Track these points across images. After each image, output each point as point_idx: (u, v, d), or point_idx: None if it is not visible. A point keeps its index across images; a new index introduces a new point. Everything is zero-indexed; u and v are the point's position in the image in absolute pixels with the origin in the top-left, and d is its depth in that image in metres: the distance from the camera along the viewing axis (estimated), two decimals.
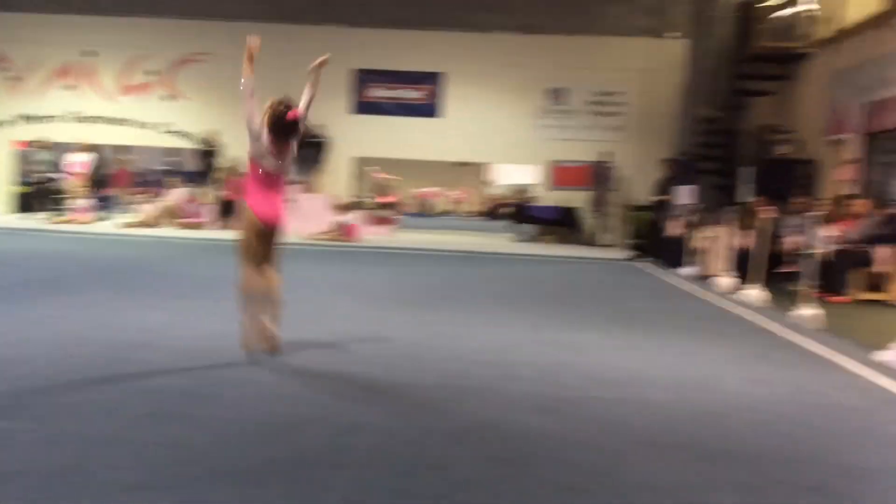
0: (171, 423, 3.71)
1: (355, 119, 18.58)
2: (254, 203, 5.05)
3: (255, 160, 5.09)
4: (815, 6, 13.90)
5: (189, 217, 17.09)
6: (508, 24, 18.16)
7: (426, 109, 18.46)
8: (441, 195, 38.11)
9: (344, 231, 15.59)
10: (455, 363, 5.31)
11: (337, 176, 18.86)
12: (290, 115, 5.04)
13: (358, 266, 11.35)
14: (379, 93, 18.56)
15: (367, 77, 18.56)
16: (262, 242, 5.07)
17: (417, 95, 18.48)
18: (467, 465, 3.34)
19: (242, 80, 5.04)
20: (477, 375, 5.00)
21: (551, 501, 3.03)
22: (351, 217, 15.89)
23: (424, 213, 36.17)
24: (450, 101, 18.38)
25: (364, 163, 21.30)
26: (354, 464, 3.29)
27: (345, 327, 6.36)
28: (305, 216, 17.37)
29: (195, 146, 18.43)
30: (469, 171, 33.86)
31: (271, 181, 5.11)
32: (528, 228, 17.82)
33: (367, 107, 18.59)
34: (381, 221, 19.19)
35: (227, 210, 17.40)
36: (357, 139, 18.52)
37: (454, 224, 26.86)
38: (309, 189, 18.31)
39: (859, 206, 10.88)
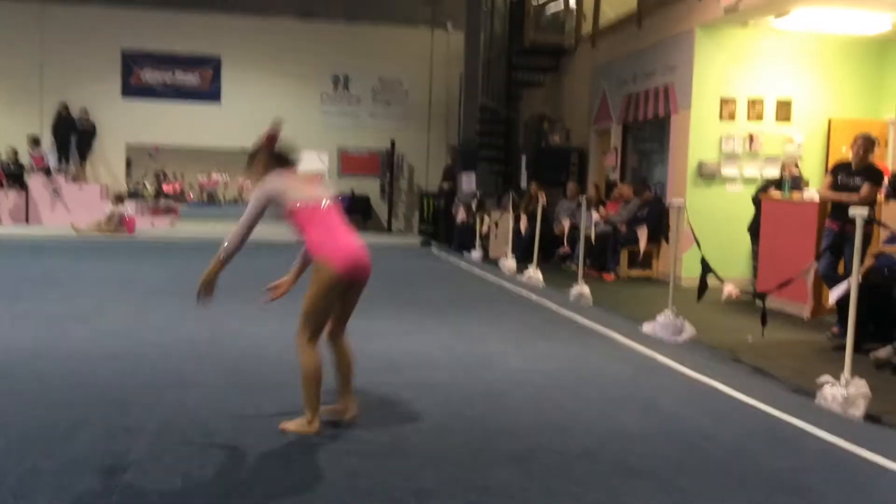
0: None
1: (128, 103, 17.44)
2: (332, 250, 3.68)
3: (302, 206, 3.74)
4: (574, 3, 14.81)
5: None
6: (287, 9, 17.80)
7: (204, 94, 17.68)
8: (227, 183, 36.81)
9: (120, 223, 14.59)
10: (245, 360, 5.12)
11: (109, 164, 17.66)
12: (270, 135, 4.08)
13: (134, 261, 10.67)
14: (152, 76, 17.53)
15: (138, 59, 17.46)
16: (348, 300, 3.85)
17: (194, 80, 17.66)
18: (250, 461, 3.22)
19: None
20: (267, 372, 4.86)
21: (335, 487, 2.99)
22: (127, 208, 14.90)
23: (211, 203, 34.82)
24: (228, 86, 17.74)
25: (141, 150, 20.13)
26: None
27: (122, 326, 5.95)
28: (74, 208, 16.15)
29: None
30: None
31: (332, 214, 3.80)
32: None
33: (139, 90, 17.50)
34: (162, 211, 18.22)
35: None
36: (130, 125, 17.43)
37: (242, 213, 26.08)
38: (77, 178, 17.02)
39: (622, 190, 11.76)
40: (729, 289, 5.99)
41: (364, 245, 3.76)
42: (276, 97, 17.73)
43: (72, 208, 16.13)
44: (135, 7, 17.24)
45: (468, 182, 13.75)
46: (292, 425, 3.68)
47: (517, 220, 11.63)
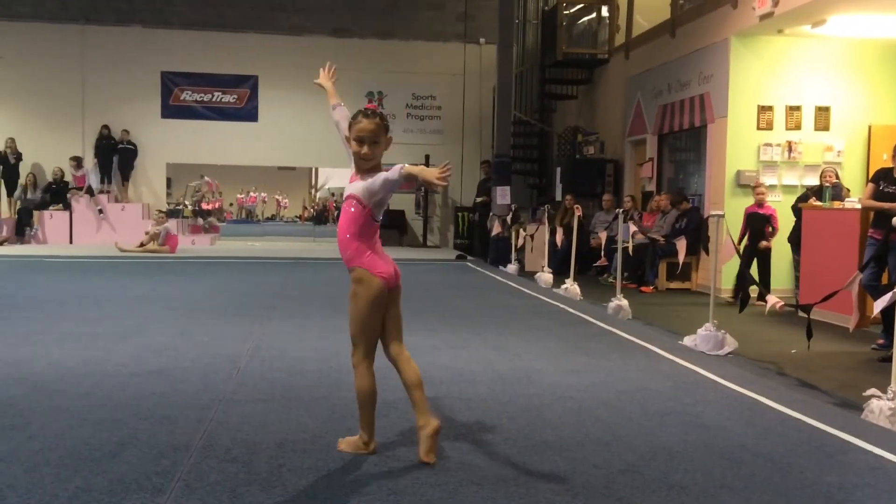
0: None
1: (167, 123, 17.78)
2: (373, 261, 3.55)
3: (372, 208, 3.54)
4: (609, 14, 14.79)
5: None
6: (321, 28, 18.03)
7: (241, 113, 17.96)
8: (266, 200, 37.19)
9: (161, 241, 14.84)
10: (286, 376, 5.17)
11: (150, 183, 18.01)
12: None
13: (176, 278, 10.84)
14: (191, 96, 17.85)
15: (178, 80, 17.81)
16: (390, 310, 3.64)
17: (231, 99, 17.95)
18: (294, 476, 3.25)
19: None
20: (308, 387, 4.90)
21: None
22: (168, 226, 15.15)
23: (249, 220, 35.22)
24: (265, 105, 18.00)
25: (182, 169, 20.47)
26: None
27: (168, 341, 6.05)
28: (117, 227, 16.47)
29: None
30: (295, 175, 33.26)
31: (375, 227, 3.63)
32: None
33: (179, 111, 17.83)
34: (202, 230, 18.53)
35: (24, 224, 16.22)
36: (170, 144, 17.77)
37: (280, 230, 26.38)
38: (119, 198, 17.38)
39: (659, 201, 11.68)
40: (773, 300, 5.91)
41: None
42: (312, 115, 17.95)
43: (115, 228, 16.47)
44: (174, 29, 17.60)
45: (503, 196, 13.76)
46: (349, 446, 3.62)
47: (553, 233, 11.61)
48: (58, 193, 16.75)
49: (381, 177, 3.46)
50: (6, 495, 3.00)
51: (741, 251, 8.04)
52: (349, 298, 3.59)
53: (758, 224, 9.61)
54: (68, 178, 17.06)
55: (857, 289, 5.20)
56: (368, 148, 3.48)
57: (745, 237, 9.59)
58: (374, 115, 3.52)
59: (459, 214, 17.40)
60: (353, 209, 3.52)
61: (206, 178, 22.80)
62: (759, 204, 9.63)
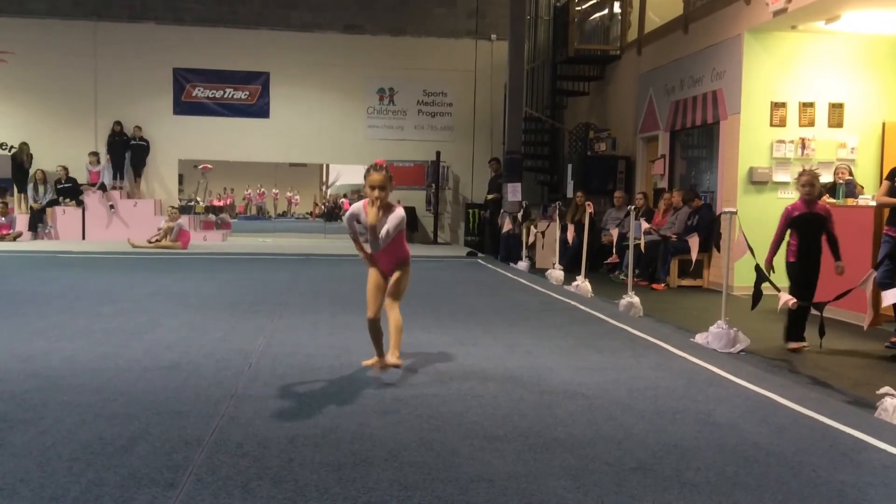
0: None
1: (179, 120, 17.84)
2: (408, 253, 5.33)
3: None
4: (621, 10, 14.74)
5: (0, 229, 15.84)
6: (333, 25, 18.05)
7: (252, 110, 18.00)
8: (277, 197, 37.29)
9: (173, 238, 14.89)
10: (297, 372, 5.19)
11: (163, 180, 18.08)
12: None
13: (187, 274, 10.88)
14: (203, 93, 17.90)
15: (190, 76, 17.86)
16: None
17: (243, 96, 17.99)
18: (306, 471, 3.26)
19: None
20: (316, 380, 4.91)
21: (388, 500, 3.00)
22: (180, 223, 15.20)
23: (260, 216, 35.31)
24: (276, 102, 18.03)
25: (193, 165, 20.54)
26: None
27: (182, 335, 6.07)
28: (129, 223, 16.54)
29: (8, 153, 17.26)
30: (307, 172, 33.32)
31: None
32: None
33: (191, 107, 17.88)
34: (214, 226, 18.59)
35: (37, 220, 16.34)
36: (182, 141, 17.83)
37: (291, 227, 26.43)
38: (131, 194, 17.46)
39: (672, 198, 11.63)
40: (786, 298, 5.87)
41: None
42: (323, 112, 18.00)
43: (127, 224, 16.56)
44: (186, 25, 17.65)
45: (514, 192, 13.73)
46: (396, 359, 4.95)
47: (564, 229, 11.58)
48: (67, 192, 16.83)
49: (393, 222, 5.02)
50: (19, 489, 3.02)
51: (789, 270, 6.44)
52: (401, 277, 5.13)
53: (810, 230, 6.46)
54: (83, 173, 17.14)
55: (872, 287, 5.16)
56: (379, 192, 4.93)
57: (795, 248, 6.48)
58: (382, 169, 4.98)
59: (470, 211, 17.39)
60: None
61: (200, 166, 22.89)
62: (811, 201, 6.47)
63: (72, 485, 3.07)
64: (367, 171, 4.98)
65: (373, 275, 5.12)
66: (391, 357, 4.96)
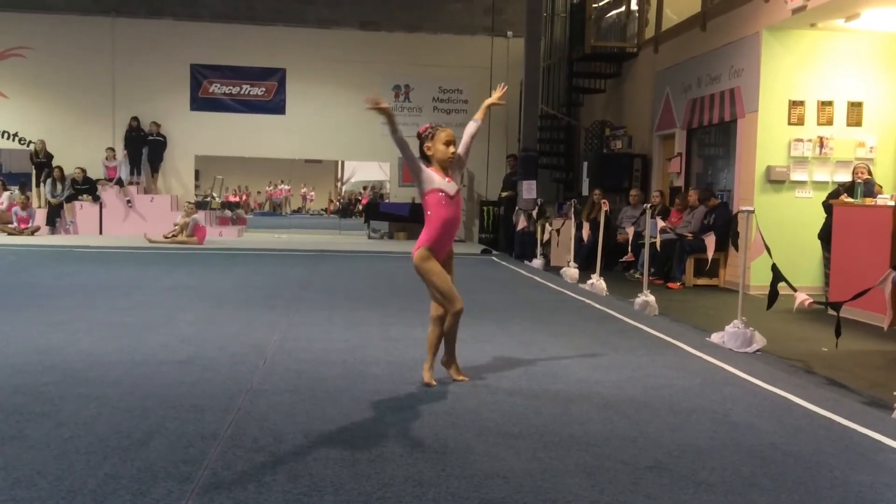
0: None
1: (196, 116, 17.93)
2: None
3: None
4: (638, 7, 14.67)
5: (19, 223, 15.98)
6: (349, 21, 18.07)
7: (269, 106, 18.06)
8: (292, 193, 37.34)
9: (189, 233, 14.97)
10: (312, 367, 5.20)
11: (179, 175, 18.18)
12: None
13: (203, 269, 10.93)
14: (220, 89, 17.97)
15: (207, 72, 17.94)
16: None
17: (259, 92, 18.05)
18: (321, 466, 3.26)
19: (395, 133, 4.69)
20: (331, 375, 4.92)
21: (402, 496, 3.00)
22: (196, 218, 15.28)
23: (275, 212, 35.40)
24: (292, 98, 18.08)
25: (210, 161, 20.64)
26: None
27: (193, 331, 6.10)
28: (146, 218, 16.65)
29: (27, 150, 17.44)
30: (322, 168, 33.35)
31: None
32: (381, 225, 17.83)
33: (207, 103, 17.96)
34: (230, 222, 18.67)
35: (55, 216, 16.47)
36: (199, 137, 17.92)
37: (306, 223, 26.49)
38: (148, 190, 17.57)
39: (688, 196, 11.57)
40: (802, 297, 5.82)
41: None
42: (339, 108, 18.00)
43: (144, 218, 16.66)
44: (203, 21, 17.73)
45: (529, 190, 13.70)
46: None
47: (579, 227, 11.55)
48: (83, 191, 16.95)
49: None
50: (36, 481, 3.04)
51: None
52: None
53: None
54: (99, 168, 17.26)
55: (891, 287, 5.10)
56: (454, 147, 4.78)
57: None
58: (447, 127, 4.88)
59: (484, 208, 17.38)
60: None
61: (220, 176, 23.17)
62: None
63: (88, 477, 3.09)
64: (430, 131, 4.79)
65: (439, 266, 4.84)
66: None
